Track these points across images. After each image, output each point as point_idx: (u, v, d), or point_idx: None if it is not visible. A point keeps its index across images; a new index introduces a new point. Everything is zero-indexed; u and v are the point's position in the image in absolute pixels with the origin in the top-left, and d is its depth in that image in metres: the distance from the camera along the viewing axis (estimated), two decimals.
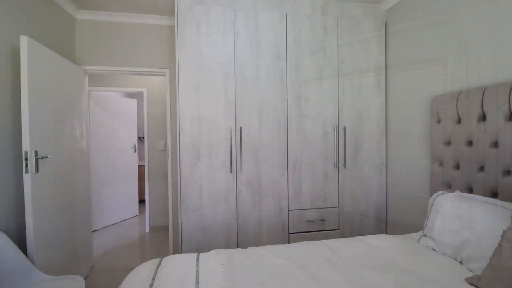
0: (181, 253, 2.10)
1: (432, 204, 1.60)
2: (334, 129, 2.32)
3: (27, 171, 1.73)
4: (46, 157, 1.89)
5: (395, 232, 2.34)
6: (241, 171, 2.17)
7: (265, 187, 2.22)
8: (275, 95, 2.22)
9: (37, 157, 1.79)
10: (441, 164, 1.84)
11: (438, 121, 1.85)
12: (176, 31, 2.08)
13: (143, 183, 4.71)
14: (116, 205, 3.95)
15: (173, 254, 2.63)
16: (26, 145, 1.73)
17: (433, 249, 1.47)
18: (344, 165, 2.34)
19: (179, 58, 2.08)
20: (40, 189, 1.85)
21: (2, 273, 1.52)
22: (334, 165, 2.33)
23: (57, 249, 2.03)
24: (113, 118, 3.92)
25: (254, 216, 2.20)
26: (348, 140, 2.35)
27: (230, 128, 2.14)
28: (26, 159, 1.72)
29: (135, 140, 4.29)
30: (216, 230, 2.15)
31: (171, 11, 2.57)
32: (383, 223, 2.44)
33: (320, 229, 2.32)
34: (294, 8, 2.30)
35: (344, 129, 2.33)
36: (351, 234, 2.37)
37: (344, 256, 1.42)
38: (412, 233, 1.72)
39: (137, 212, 4.29)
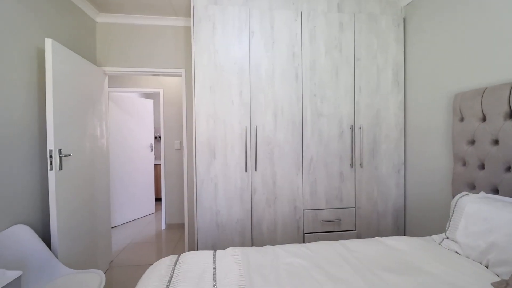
0: (197, 250, 2.13)
1: (455, 205, 1.54)
2: (351, 128, 2.28)
3: (51, 168, 1.81)
4: (69, 155, 1.96)
5: (414, 234, 2.27)
6: (256, 170, 2.17)
7: (280, 186, 2.21)
8: (290, 93, 2.21)
9: (60, 155, 1.87)
10: (464, 164, 1.76)
11: (461, 119, 1.78)
12: (192, 31, 2.11)
13: (160, 182, 4.85)
14: (133, 202, 4.06)
15: (189, 251, 2.67)
16: (50, 143, 1.80)
17: (456, 252, 1.42)
18: (361, 164, 2.29)
19: (195, 58, 2.11)
20: (64, 185, 1.93)
21: (28, 265, 1.60)
22: (350, 164, 2.29)
23: (79, 243, 2.11)
24: (130, 118, 4.03)
25: (268, 215, 2.20)
26: (365, 139, 2.30)
27: (245, 127, 2.15)
28: (51, 157, 1.80)
29: (151, 139, 4.39)
30: (231, 228, 2.16)
31: (187, 12, 2.62)
32: (402, 225, 2.38)
33: (335, 230, 2.29)
34: (309, 5, 2.27)
35: (361, 128, 2.29)
36: (368, 235, 2.32)
37: (362, 257, 1.39)
38: (433, 235, 1.66)
39: (153, 210, 4.39)
